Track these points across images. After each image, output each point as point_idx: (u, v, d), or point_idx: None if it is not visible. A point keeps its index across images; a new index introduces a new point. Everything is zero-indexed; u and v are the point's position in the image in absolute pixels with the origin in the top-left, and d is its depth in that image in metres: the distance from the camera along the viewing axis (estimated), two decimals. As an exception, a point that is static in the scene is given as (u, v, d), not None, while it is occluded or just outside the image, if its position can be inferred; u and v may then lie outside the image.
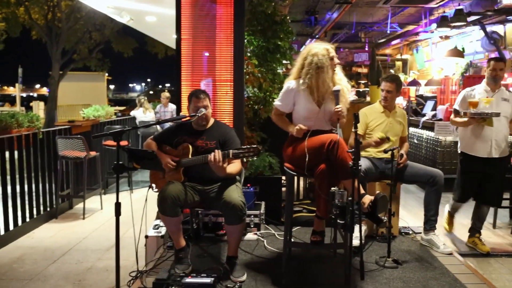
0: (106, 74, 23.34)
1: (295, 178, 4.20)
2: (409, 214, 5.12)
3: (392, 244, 3.45)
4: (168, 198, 2.88)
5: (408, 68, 12.18)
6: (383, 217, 2.81)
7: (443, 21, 6.18)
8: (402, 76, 12.22)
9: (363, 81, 12.49)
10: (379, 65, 5.21)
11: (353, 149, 2.37)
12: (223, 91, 4.07)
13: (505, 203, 4.96)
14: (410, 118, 7.14)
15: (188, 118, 3.14)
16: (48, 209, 5.09)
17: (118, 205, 2.58)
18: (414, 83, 8.02)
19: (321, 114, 3.00)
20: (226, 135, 3.18)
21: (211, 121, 3.26)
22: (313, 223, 3.08)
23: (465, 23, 6.19)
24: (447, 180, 6.35)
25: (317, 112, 2.99)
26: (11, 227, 4.38)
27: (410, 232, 4.05)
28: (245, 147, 2.83)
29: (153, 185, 3.20)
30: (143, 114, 8.37)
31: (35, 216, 4.80)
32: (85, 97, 24.13)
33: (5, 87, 57.96)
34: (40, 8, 16.39)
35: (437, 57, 8.51)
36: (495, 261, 3.75)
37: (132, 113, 8.52)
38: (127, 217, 3.17)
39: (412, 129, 7.32)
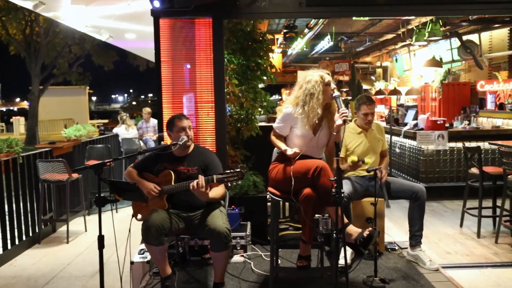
0: (88, 88, 23.09)
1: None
2: (395, 225, 5.16)
3: (378, 261, 3.48)
4: (152, 228, 2.85)
5: (389, 75, 12.36)
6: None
7: (419, 34, 6.30)
8: (382, 83, 12.40)
9: (345, 89, 12.60)
10: (359, 81, 5.27)
11: (335, 177, 2.39)
12: (204, 112, 4.07)
13: (488, 211, 5.05)
14: (392, 127, 7.23)
15: (171, 144, 3.12)
16: (31, 234, 4.98)
17: (101, 238, 2.53)
18: (395, 92, 8.13)
19: (314, 141, 3.03)
20: (207, 159, 3.17)
21: (192, 145, 3.25)
22: (299, 241, 3.09)
23: (441, 37, 6.32)
24: (431, 188, 6.55)
25: (311, 139, 3.03)
26: (-8, 256, 4.28)
27: (396, 247, 4.08)
28: (229, 171, 2.82)
29: (139, 215, 3.16)
30: (125, 131, 8.29)
31: (17, 243, 4.69)
32: (66, 112, 23.88)
33: (-16, 102, 56.94)
34: (18, 23, 16.18)
35: (416, 66, 8.67)
36: (481, 273, 3.79)
37: (115, 130, 8.44)
38: (112, 239, 3.10)
39: (394, 138, 7.41)
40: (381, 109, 10.16)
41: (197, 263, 3.74)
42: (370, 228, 2.66)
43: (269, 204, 4.26)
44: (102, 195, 2.50)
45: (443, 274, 3.56)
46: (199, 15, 3.91)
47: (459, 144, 6.58)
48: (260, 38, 4.75)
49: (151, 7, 3.89)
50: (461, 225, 5.14)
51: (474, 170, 4.97)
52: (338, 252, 2.37)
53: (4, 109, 46.70)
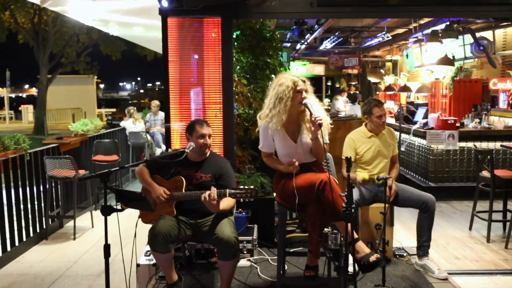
0: (95, 77, 23.11)
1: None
2: (403, 227, 5.11)
3: (386, 269, 3.43)
4: (159, 235, 2.83)
5: (399, 69, 12.17)
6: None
7: (433, 36, 6.15)
8: (392, 78, 12.23)
9: (353, 83, 12.47)
10: (370, 81, 5.17)
11: (345, 193, 2.34)
12: (212, 113, 4.02)
13: (498, 215, 4.98)
14: (402, 125, 7.13)
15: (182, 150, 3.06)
16: (38, 230, 5.00)
17: (107, 248, 2.51)
18: (405, 89, 8.00)
19: (299, 148, 2.96)
20: (222, 169, 3.13)
21: (208, 153, 3.20)
22: (306, 243, 3.04)
23: (455, 38, 6.18)
24: (440, 188, 6.47)
25: (295, 147, 2.96)
26: (0, 253, 4.30)
27: (405, 254, 4.03)
28: (242, 187, 2.80)
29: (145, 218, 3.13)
30: (132, 124, 8.28)
31: (24, 239, 4.71)
32: (74, 101, 23.98)
33: (-7, 88, 57.30)
34: (26, 12, 16.14)
35: (427, 61, 8.51)
36: (490, 280, 3.74)
37: (122, 124, 8.42)
38: (118, 237, 3.06)
39: (403, 135, 7.31)
40: (390, 105, 10.03)
41: (204, 267, 3.73)
42: (378, 255, 2.61)
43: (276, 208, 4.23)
44: (108, 204, 2.47)
45: (451, 283, 3.52)
46: (208, 14, 3.84)
47: (470, 144, 6.49)
48: (269, 36, 4.67)
49: (159, 6, 3.82)
50: (470, 228, 5.08)
51: (485, 174, 4.89)
52: (346, 268, 2.33)
53: (13, 95, 46.91)
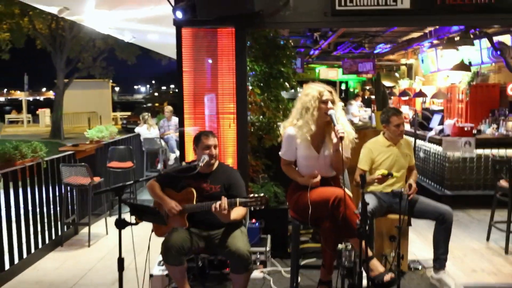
0: (111, 81, 23.38)
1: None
2: (418, 237, 5.03)
3: (401, 282, 3.38)
4: (172, 248, 2.84)
5: (413, 73, 12.04)
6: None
7: (449, 43, 6.07)
8: (407, 82, 12.10)
9: (368, 87, 12.38)
10: (385, 91, 5.13)
11: (359, 210, 2.31)
12: (226, 123, 4.02)
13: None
14: (417, 132, 7.03)
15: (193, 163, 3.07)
16: (54, 237, 5.07)
17: (121, 261, 2.52)
18: (420, 94, 7.90)
19: (321, 160, 2.95)
20: (231, 179, 3.13)
21: (216, 163, 3.21)
22: (320, 254, 3.01)
23: (472, 45, 6.09)
24: (456, 196, 6.36)
25: (317, 158, 2.94)
26: (16, 260, 4.36)
27: (420, 267, 3.97)
28: (252, 196, 2.79)
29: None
30: (147, 130, 8.34)
31: (40, 246, 4.78)
32: (90, 105, 24.30)
33: (12, 91, 58.36)
34: (44, 19, 16.43)
35: (443, 67, 8.38)
36: (508, 295, 3.66)
37: (137, 130, 8.49)
38: (132, 244, 3.07)
39: (418, 142, 7.22)
40: (405, 111, 9.92)
41: (217, 278, 3.72)
42: (393, 275, 2.57)
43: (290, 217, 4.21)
44: (122, 217, 2.48)
45: (469, 298, 3.45)
46: (222, 24, 3.84)
47: (487, 151, 6.37)
48: (283, 45, 4.66)
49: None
50: (487, 239, 4.98)
51: (503, 183, 4.79)
52: (360, 286, 2.31)
53: (31, 98, 47.71)
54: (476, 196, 6.37)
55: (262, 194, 2.78)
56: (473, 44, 6.07)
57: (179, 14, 3.61)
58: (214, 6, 3.39)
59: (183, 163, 3.23)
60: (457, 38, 6.44)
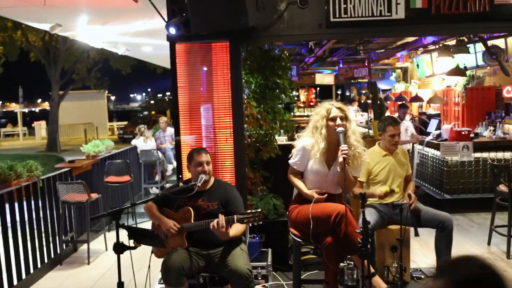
0: (106, 92, 23.33)
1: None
2: (420, 244, 5.00)
3: (404, 293, 3.35)
4: (172, 270, 2.80)
5: (409, 76, 12.06)
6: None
7: (444, 51, 6.08)
8: (403, 85, 12.12)
9: (364, 91, 12.39)
10: (382, 99, 5.12)
11: (361, 229, 2.29)
12: (223, 137, 3.99)
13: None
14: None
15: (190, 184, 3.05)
16: (52, 255, 5.01)
17: (121, 285, 2.49)
18: (417, 99, 7.91)
19: (330, 177, 2.95)
20: (227, 194, 3.11)
21: (212, 180, 3.19)
22: (321, 265, 3.00)
23: (467, 53, 6.10)
24: (456, 200, 6.35)
25: (326, 174, 2.94)
26: (15, 281, 4.30)
27: (422, 276, 3.94)
28: (249, 211, 2.76)
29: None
30: (143, 143, 8.30)
31: (39, 266, 4.72)
32: (86, 116, 24.23)
33: (7, 103, 58.14)
34: (37, 31, 16.39)
35: (438, 71, 8.41)
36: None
37: (133, 142, 8.45)
38: (131, 260, 3.02)
39: (416, 146, 7.21)
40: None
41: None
42: None
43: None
44: (120, 241, 2.45)
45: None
46: (216, 39, 3.83)
47: (485, 154, 6.38)
48: (278, 56, 4.64)
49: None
50: (488, 243, 4.96)
51: (502, 188, 4.78)
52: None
53: (26, 110, 47.54)
54: (476, 199, 6.37)
55: (259, 210, 2.76)
56: (468, 52, 6.09)
57: (173, 30, 3.59)
58: (208, 21, 3.37)
59: (180, 184, 3.20)
60: (452, 42, 6.45)
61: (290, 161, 3.16)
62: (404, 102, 6.76)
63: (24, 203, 4.59)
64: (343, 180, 2.89)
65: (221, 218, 2.79)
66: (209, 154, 3.20)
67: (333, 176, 2.98)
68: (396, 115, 6.39)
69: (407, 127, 6.51)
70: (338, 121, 2.93)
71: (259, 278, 3.77)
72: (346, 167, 2.85)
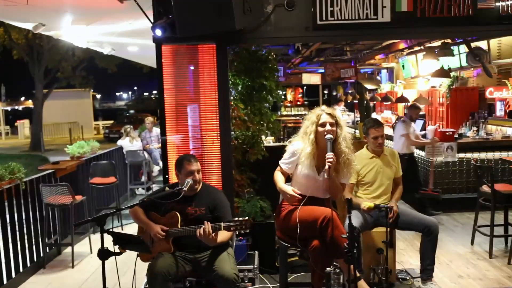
0: (92, 90, 23.03)
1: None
2: (406, 244, 5.06)
3: (390, 294, 3.38)
4: (158, 275, 2.78)
5: (395, 77, 12.17)
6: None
7: (429, 53, 6.14)
8: (389, 85, 12.22)
9: (350, 91, 12.45)
10: (368, 101, 5.15)
11: (347, 234, 2.30)
12: (210, 140, 3.97)
13: (500, 230, 4.94)
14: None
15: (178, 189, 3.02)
16: (35, 259, 4.92)
17: (105, 292, 2.46)
18: (402, 99, 8.00)
19: (319, 182, 2.96)
20: (215, 200, 3.09)
21: (199, 185, 3.16)
22: (308, 267, 3.00)
23: (452, 56, 6.18)
24: (443, 199, 6.43)
25: (315, 179, 2.95)
26: (-4, 286, 4.23)
27: (408, 277, 3.98)
28: (236, 219, 2.75)
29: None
30: (129, 143, 8.22)
31: (21, 270, 4.64)
32: (71, 115, 23.92)
33: (-11, 102, 57.02)
34: (20, 29, 16.09)
35: (423, 72, 8.52)
36: (494, 302, 3.69)
37: (119, 143, 8.36)
38: (115, 264, 2.97)
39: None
40: (387, 115, 10.02)
41: (205, 298, 3.66)
42: None
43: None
44: (105, 247, 2.41)
45: (456, 310, 3.47)
46: (203, 41, 3.80)
47: (469, 155, 6.47)
48: (265, 57, 4.64)
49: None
50: (472, 243, 5.04)
51: (486, 188, 4.85)
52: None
53: (9, 108, 46.63)
54: (460, 199, 6.46)
55: (246, 218, 2.76)
56: (453, 55, 6.15)
57: (159, 32, 3.55)
58: (194, 24, 3.35)
59: (166, 188, 3.17)
60: (437, 44, 6.53)
61: (280, 162, 3.17)
62: (414, 103, 6.41)
63: (6, 206, 4.50)
64: (329, 187, 2.90)
65: (207, 226, 2.78)
66: (198, 162, 3.17)
67: (322, 181, 2.99)
68: (402, 119, 6.19)
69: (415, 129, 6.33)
70: (328, 127, 2.94)
71: (246, 281, 3.77)
72: (332, 174, 2.86)
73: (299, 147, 3.05)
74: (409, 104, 6.13)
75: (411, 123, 6.14)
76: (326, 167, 2.83)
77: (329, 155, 2.83)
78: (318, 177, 3.00)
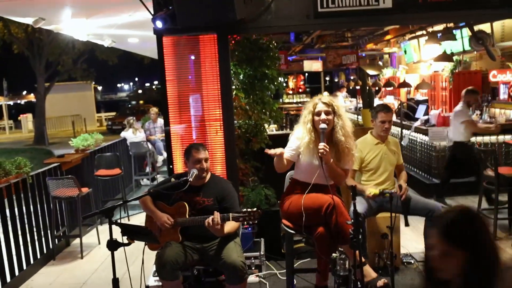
0: (93, 83, 23.01)
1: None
2: (411, 229, 5.07)
3: (395, 278, 3.41)
4: (167, 264, 2.83)
5: (397, 62, 12.09)
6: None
7: (431, 38, 6.10)
8: (391, 70, 12.16)
9: (352, 77, 12.42)
10: (370, 88, 5.14)
11: (352, 221, 2.32)
12: (213, 130, 3.99)
13: (504, 211, 4.97)
14: (403, 122, 7.10)
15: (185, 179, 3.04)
16: (45, 251, 5.00)
17: (116, 282, 2.50)
18: (405, 84, 7.97)
19: (321, 170, 2.97)
20: (223, 191, 3.12)
21: (208, 175, 3.19)
22: (314, 253, 3.04)
23: (454, 40, 6.13)
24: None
25: (316, 167, 2.96)
26: (8, 278, 4.30)
27: (412, 261, 4.02)
28: (245, 210, 2.79)
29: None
30: (133, 135, 8.25)
31: (32, 262, 4.72)
32: (73, 108, 23.98)
33: (-9, 96, 57.10)
34: (19, 23, 16.05)
35: (426, 57, 8.45)
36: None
37: (122, 134, 8.40)
38: (124, 253, 3.02)
39: (405, 132, 7.29)
40: (390, 100, 9.98)
41: (212, 286, 3.70)
42: (386, 280, 2.60)
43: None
44: (114, 238, 2.45)
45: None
46: (204, 31, 3.80)
47: (472, 139, 6.47)
48: (267, 46, 4.63)
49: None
50: (476, 226, 5.06)
51: (489, 172, 4.87)
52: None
53: (11, 102, 46.67)
54: (463, 183, 6.46)
55: (255, 209, 2.79)
56: (455, 39, 6.11)
57: (159, 24, 3.55)
58: (195, 15, 3.35)
59: (172, 179, 3.20)
60: (439, 28, 6.47)
61: (285, 152, 3.16)
62: (472, 87, 6.00)
63: (14, 199, 4.56)
64: (328, 173, 2.91)
65: (217, 216, 2.81)
66: (207, 151, 3.19)
67: (323, 168, 3.00)
68: (460, 105, 5.84)
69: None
70: (322, 116, 2.95)
71: (253, 268, 3.82)
72: (330, 162, 2.89)
73: (299, 135, 3.07)
74: (466, 89, 5.84)
75: (468, 108, 5.87)
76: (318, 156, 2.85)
77: (320, 145, 2.85)
78: (319, 165, 3.01)
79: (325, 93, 3.35)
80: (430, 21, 4.48)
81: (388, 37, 7.98)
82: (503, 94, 7.44)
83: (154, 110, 9.15)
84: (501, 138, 6.37)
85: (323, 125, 2.93)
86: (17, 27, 16.28)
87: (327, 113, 2.97)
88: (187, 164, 3.17)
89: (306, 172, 3.04)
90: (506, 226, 4.99)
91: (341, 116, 3.03)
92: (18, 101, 54.04)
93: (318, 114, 2.99)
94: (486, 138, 6.43)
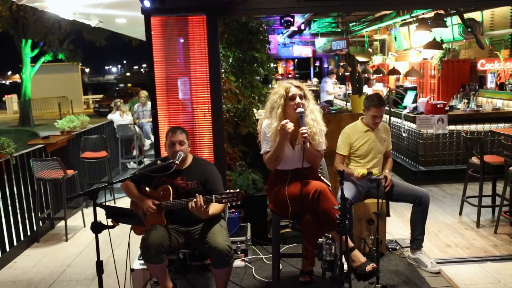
0: (80, 64, 22.62)
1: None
2: (396, 215, 5.15)
3: (380, 263, 3.45)
4: (151, 247, 2.80)
5: (386, 49, 12.09)
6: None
7: (422, 25, 6.07)
8: (380, 57, 12.16)
9: (342, 64, 12.39)
10: (360, 74, 5.12)
11: (339, 206, 2.32)
12: (201, 113, 3.95)
13: (487, 199, 5.04)
14: (391, 109, 7.11)
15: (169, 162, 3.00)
16: (29, 233, 4.95)
17: (100, 264, 2.48)
18: (394, 72, 7.97)
19: (296, 155, 2.93)
20: (206, 173, 3.09)
21: (190, 158, 3.16)
22: (300, 238, 3.03)
23: (445, 27, 6.11)
24: (430, 172, 6.53)
25: (292, 154, 2.93)
26: (-9, 260, 4.25)
27: (398, 247, 4.06)
28: (228, 191, 2.76)
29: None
30: (120, 117, 8.15)
31: (15, 244, 4.66)
32: (59, 89, 23.58)
33: (-25, 76, 55.86)
34: (4, 0, 15.62)
35: (416, 44, 8.45)
36: (480, 268, 3.79)
37: (109, 117, 8.29)
38: (109, 237, 2.96)
39: (393, 119, 7.32)
40: (379, 87, 10.00)
41: (199, 269, 3.72)
42: (374, 265, 2.61)
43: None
44: (98, 220, 2.42)
45: (444, 277, 3.56)
46: (193, 12, 3.73)
47: (459, 127, 6.53)
48: (256, 29, 4.57)
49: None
50: (460, 213, 5.14)
51: (475, 160, 4.92)
52: (341, 278, 2.34)
53: (-5, 82, 45.78)
54: (449, 170, 6.55)
55: (238, 190, 2.76)
56: (446, 26, 6.10)
57: (147, 3, 3.48)
58: (184, -6, 3.27)
59: (158, 162, 3.16)
60: (430, 15, 6.46)
61: (261, 152, 3.07)
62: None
63: (-3, 181, 4.49)
64: (307, 158, 2.87)
65: (199, 198, 2.79)
66: (187, 134, 3.14)
67: (299, 154, 2.94)
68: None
69: None
70: (298, 100, 2.89)
71: (239, 253, 3.83)
72: (307, 147, 2.81)
73: (265, 125, 2.99)
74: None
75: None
76: (302, 141, 2.78)
77: (303, 129, 2.76)
78: (293, 151, 2.96)
79: (291, 79, 3.16)
80: (422, 6, 4.44)
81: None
82: (490, 83, 7.49)
83: (144, 93, 9.03)
84: (487, 126, 6.44)
85: (300, 109, 2.84)
86: (1, 4, 15.84)
87: (301, 97, 2.91)
88: (166, 148, 3.13)
89: (283, 160, 2.97)
90: (489, 211, 5.07)
91: (310, 100, 2.97)
92: (3, 82, 53.03)
93: (293, 98, 2.89)
94: (473, 127, 6.49)
